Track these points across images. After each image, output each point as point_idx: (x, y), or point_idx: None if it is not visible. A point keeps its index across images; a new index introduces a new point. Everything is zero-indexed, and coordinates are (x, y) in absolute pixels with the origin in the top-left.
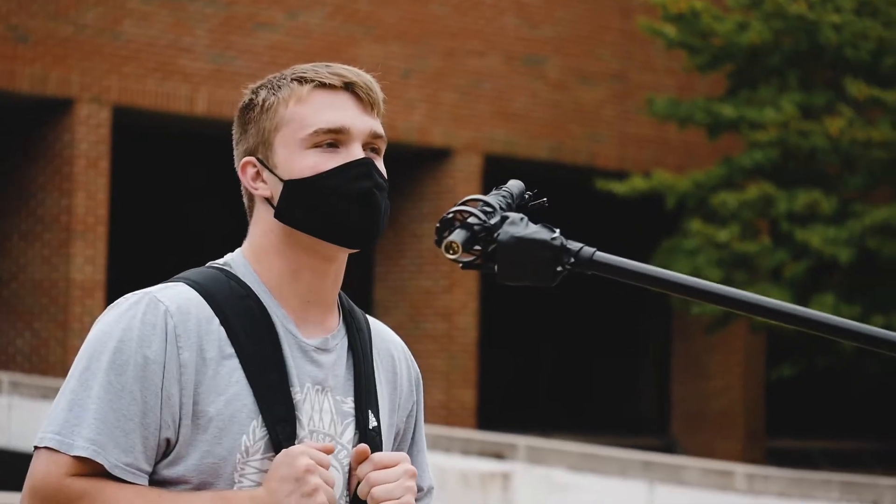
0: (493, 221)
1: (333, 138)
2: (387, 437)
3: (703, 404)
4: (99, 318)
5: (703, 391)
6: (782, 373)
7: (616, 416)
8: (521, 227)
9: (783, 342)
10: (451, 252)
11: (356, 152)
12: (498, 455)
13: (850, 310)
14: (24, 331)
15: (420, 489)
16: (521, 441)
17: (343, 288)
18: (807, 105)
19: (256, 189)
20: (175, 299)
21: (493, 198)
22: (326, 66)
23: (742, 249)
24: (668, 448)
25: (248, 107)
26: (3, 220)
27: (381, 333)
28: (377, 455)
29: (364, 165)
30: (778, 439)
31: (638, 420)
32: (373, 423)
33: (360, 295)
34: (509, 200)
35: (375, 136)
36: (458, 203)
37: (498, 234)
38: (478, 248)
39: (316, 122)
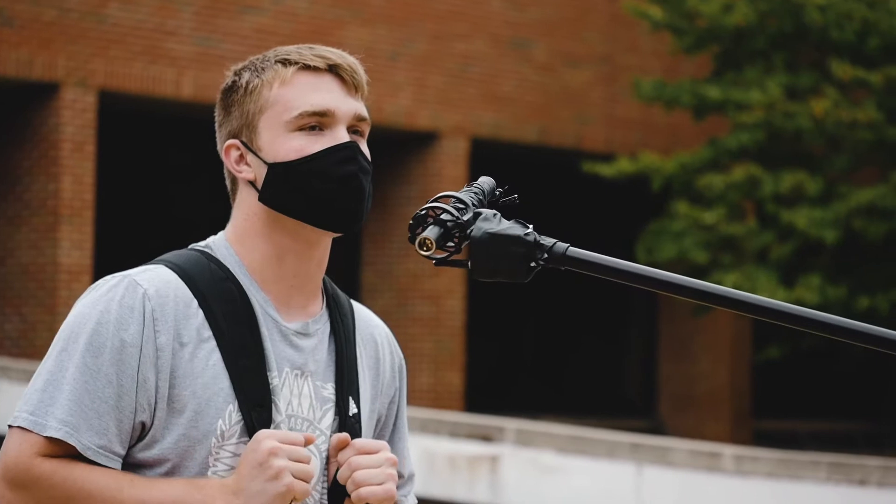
0: (466, 218)
1: (318, 121)
2: (368, 424)
3: (690, 386)
4: (78, 299)
5: (690, 373)
6: (769, 354)
7: (603, 398)
8: (494, 223)
9: (770, 324)
10: (424, 248)
11: (341, 135)
12: (486, 438)
13: (836, 291)
14: (11, 315)
15: (401, 476)
16: (510, 424)
17: (330, 271)
18: (792, 86)
19: (240, 172)
20: (154, 282)
21: (466, 194)
22: (310, 48)
23: (728, 231)
24: (656, 430)
25: (231, 89)
26: None
27: (365, 319)
28: (359, 441)
29: (349, 149)
30: (765, 421)
31: (625, 402)
32: (353, 409)
33: (347, 278)
34: (481, 197)
35: (360, 118)
36: (430, 200)
37: (471, 231)
38: (451, 244)
39: (301, 104)
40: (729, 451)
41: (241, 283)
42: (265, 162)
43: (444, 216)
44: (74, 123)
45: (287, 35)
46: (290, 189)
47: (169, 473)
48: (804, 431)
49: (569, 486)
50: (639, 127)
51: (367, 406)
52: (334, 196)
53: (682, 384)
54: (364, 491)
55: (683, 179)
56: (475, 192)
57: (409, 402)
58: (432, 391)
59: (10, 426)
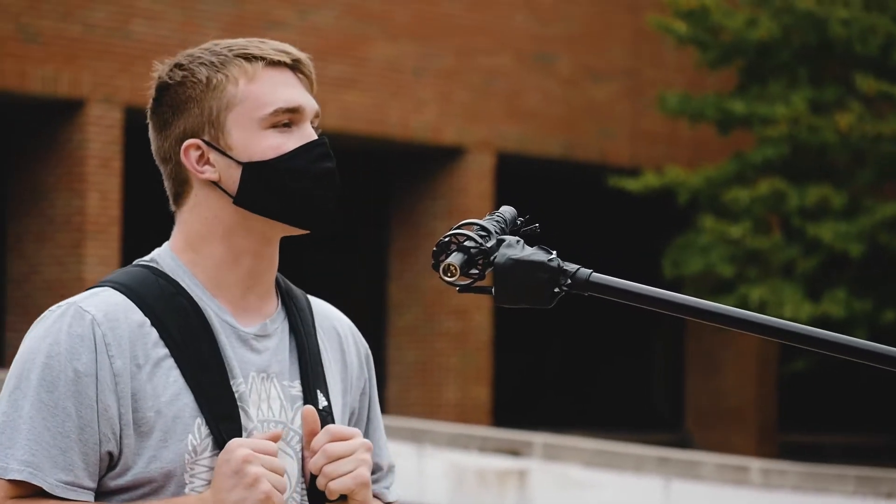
0: (489, 244)
1: (290, 118)
2: (340, 418)
3: (716, 400)
4: (27, 333)
5: (717, 387)
6: (795, 368)
7: (630, 412)
8: (517, 249)
9: None
10: (448, 275)
11: (309, 132)
12: (514, 452)
13: (862, 304)
14: None
15: (380, 468)
16: (537, 438)
17: (356, 287)
18: (817, 100)
19: (202, 173)
20: (101, 307)
21: (488, 222)
22: (262, 41)
23: (754, 245)
24: (683, 444)
25: (183, 84)
26: (14, 221)
27: (324, 312)
28: (333, 427)
29: (323, 145)
30: (791, 434)
31: (652, 416)
32: (323, 402)
33: (374, 293)
34: (503, 225)
35: (317, 115)
36: (453, 227)
37: (495, 257)
38: (475, 271)
39: (273, 101)
40: (756, 464)
41: (193, 294)
42: (238, 161)
43: (467, 243)
44: (100, 140)
45: (312, 51)
46: (268, 188)
47: (146, 496)
48: (830, 445)
49: (597, 500)
50: (664, 141)
51: (339, 399)
52: (313, 193)
53: (709, 398)
54: (334, 485)
55: (709, 193)
56: (497, 220)
57: (436, 416)
58: (459, 406)
59: None
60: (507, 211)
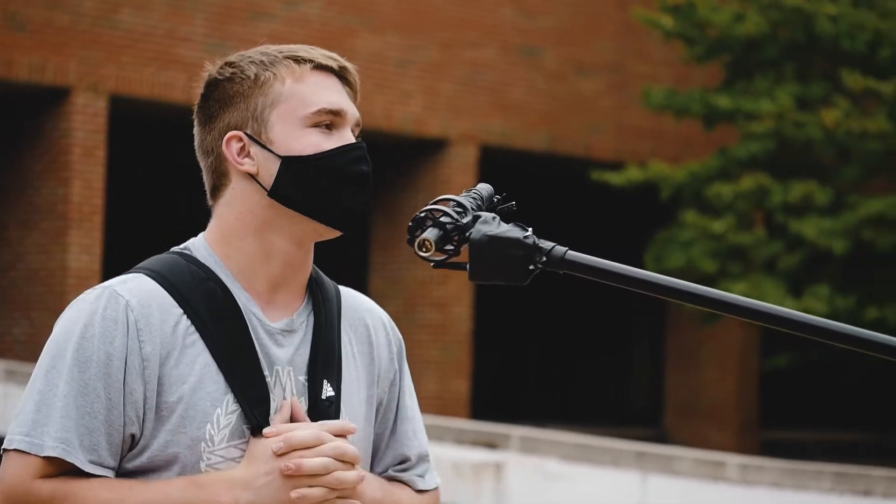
0: (465, 220)
1: (332, 119)
2: (358, 409)
3: (696, 395)
4: (61, 314)
5: (697, 382)
6: (777, 364)
7: (609, 406)
8: (493, 225)
9: (777, 333)
10: (423, 250)
11: (349, 136)
12: (491, 445)
13: (845, 301)
14: (20, 319)
15: (407, 458)
16: (515, 431)
17: (338, 278)
18: (803, 96)
19: (241, 165)
20: (135, 292)
21: (465, 198)
22: (312, 48)
23: (737, 241)
24: (661, 439)
25: (232, 80)
26: None
27: (354, 304)
28: (326, 422)
29: (361, 149)
30: (771, 431)
31: (631, 411)
32: (328, 392)
33: (355, 284)
34: (479, 202)
35: (358, 123)
36: (429, 203)
37: (470, 233)
38: (450, 247)
39: (318, 101)
40: (734, 460)
41: (224, 282)
42: (277, 155)
43: (443, 219)
44: (85, 128)
45: (298, 42)
46: (303, 183)
47: (165, 478)
48: (811, 441)
49: (573, 494)
50: (649, 136)
51: (363, 392)
52: (346, 194)
53: (689, 394)
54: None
55: (692, 188)
56: (474, 197)
57: None
58: (438, 398)
59: (5, 450)
60: (483, 188)
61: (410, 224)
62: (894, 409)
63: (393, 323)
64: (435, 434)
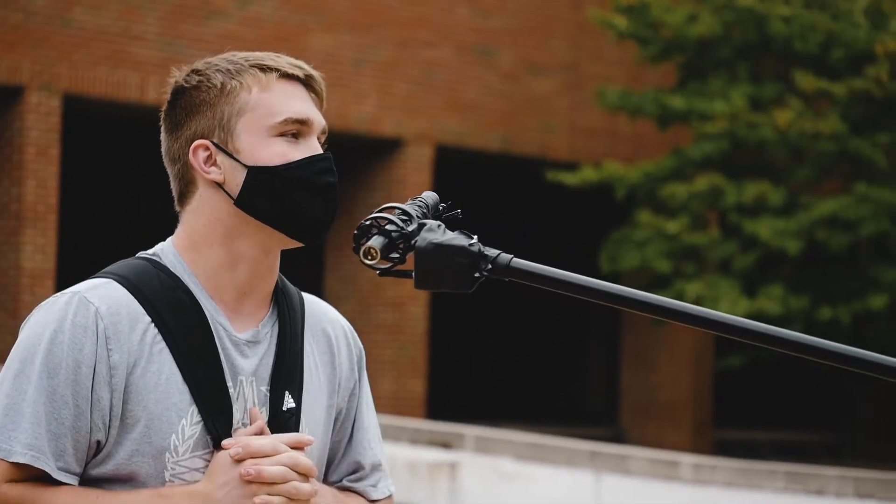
0: (410, 228)
1: (298, 129)
2: (318, 419)
3: (651, 395)
4: (28, 318)
5: (652, 382)
6: (731, 364)
7: (565, 406)
8: (438, 233)
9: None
10: (369, 258)
11: (316, 146)
12: (446, 445)
13: (798, 301)
14: None
15: (361, 467)
16: (469, 431)
17: (293, 278)
18: (756, 97)
19: (208, 173)
20: (105, 299)
21: (410, 206)
22: (278, 56)
23: (691, 241)
24: (617, 439)
25: (198, 88)
26: None
27: (317, 313)
28: (283, 435)
29: (328, 160)
30: (726, 430)
31: (586, 411)
32: (289, 404)
33: (310, 285)
34: (425, 210)
35: (324, 131)
36: (375, 211)
37: (416, 241)
38: (395, 255)
39: (284, 110)
40: (687, 459)
41: (192, 291)
42: (244, 165)
43: (388, 227)
44: (39, 127)
45: (252, 41)
46: (269, 194)
47: (130, 489)
48: (765, 441)
49: (528, 494)
50: (603, 136)
51: (323, 402)
52: (311, 205)
53: (644, 393)
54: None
55: (647, 189)
56: (419, 205)
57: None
58: (394, 398)
59: None
60: (429, 196)
61: (356, 232)
62: (846, 409)
63: (355, 333)
64: (390, 434)
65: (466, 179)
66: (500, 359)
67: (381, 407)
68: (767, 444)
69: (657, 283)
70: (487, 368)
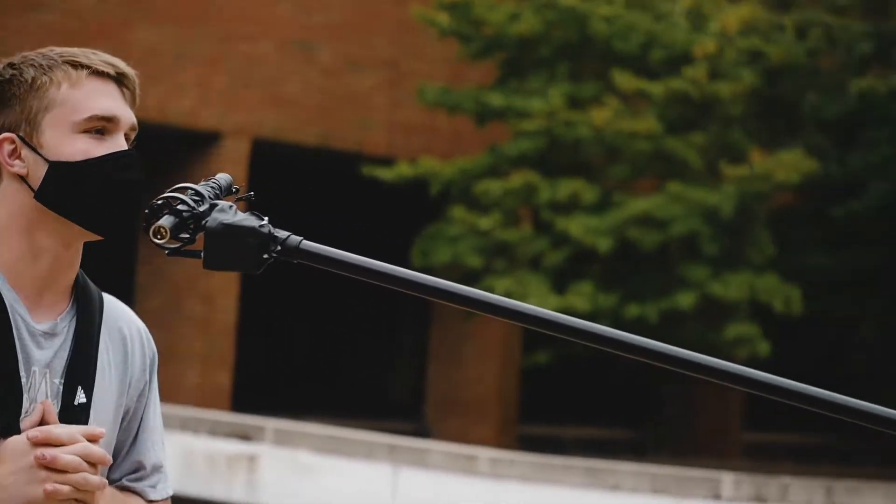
0: (202, 209)
1: (103, 126)
2: (107, 416)
3: (458, 390)
4: None
5: (458, 377)
6: (537, 360)
7: (372, 400)
8: (229, 214)
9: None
10: (158, 237)
11: (121, 143)
12: (245, 437)
13: (607, 298)
14: None
15: (142, 467)
16: (269, 423)
17: (104, 270)
18: (575, 96)
19: (12, 166)
20: None
21: (203, 187)
22: (94, 53)
23: (503, 237)
24: (421, 433)
25: (10, 82)
26: None
27: (115, 313)
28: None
29: (132, 157)
30: (531, 426)
31: (393, 404)
32: (80, 398)
33: (121, 277)
34: (218, 191)
35: (133, 128)
36: (167, 190)
37: (206, 221)
38: (185, 234)
39: (90, 107)
40: (485, 454)
41: None
42: (46, 159)
43: (179, 206)
44: None
45: (74, 33)
46: (68, 189)
47: None
48: (570, 437)
49: (325, 486)
50: (422, 132)
51: (113, 400)
52: (111, 201)
53: (450, 387)
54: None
55: (462, 185)
56: (213, 186)
57: (175, 401)
58: (199, 390)
59: None
60: (222, 177)
61: (146, 211)
62: (650, 405)
63: (150, 336)
64: (190, 426)
65: (284, 174)
66: (309, 351)
67: (185, 399)
68: (572, 441)
69: (467, 278)
70: (298, 360)
